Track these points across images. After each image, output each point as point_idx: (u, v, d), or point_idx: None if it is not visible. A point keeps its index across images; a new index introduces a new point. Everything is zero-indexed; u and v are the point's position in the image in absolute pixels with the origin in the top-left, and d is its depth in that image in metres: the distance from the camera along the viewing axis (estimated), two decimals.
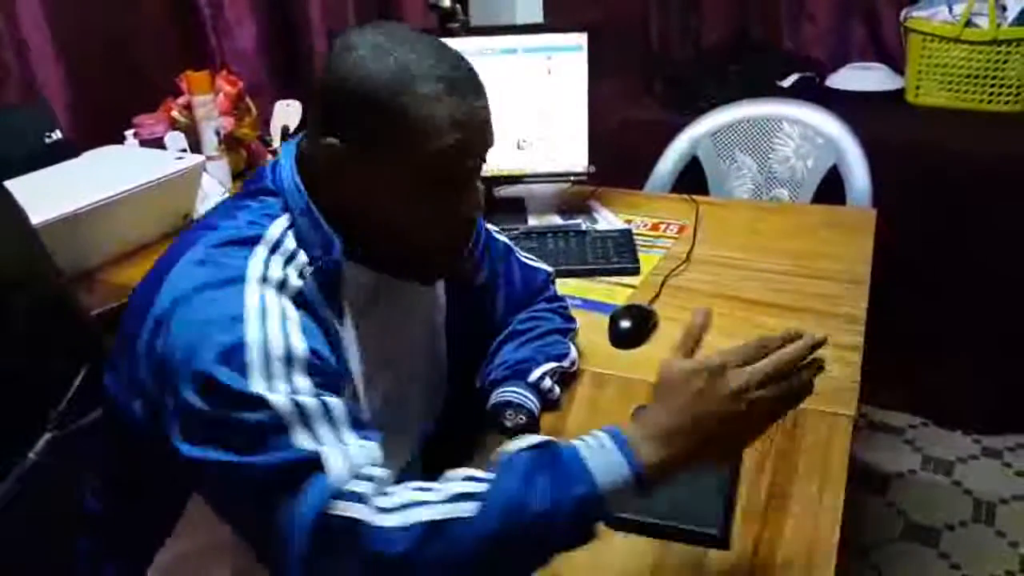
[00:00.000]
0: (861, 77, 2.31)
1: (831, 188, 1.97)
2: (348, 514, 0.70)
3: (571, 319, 1.24)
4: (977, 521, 1.99)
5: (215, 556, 0.89)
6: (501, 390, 1.10)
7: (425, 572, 0.71)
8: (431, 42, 0.87)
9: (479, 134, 0.87)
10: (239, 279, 0.80)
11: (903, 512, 2.03)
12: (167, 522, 0.88)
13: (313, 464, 0.72)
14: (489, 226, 1.21)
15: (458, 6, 1.83)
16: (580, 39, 1.62)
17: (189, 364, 0.75)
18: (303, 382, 0.76)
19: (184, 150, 1.80)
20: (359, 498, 0.71)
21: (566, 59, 1.63)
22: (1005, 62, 2.10)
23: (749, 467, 1.03)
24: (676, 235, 1.66)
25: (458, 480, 0.75)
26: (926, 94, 2.22)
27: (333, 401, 0.76)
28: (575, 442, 0.76)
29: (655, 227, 1.70)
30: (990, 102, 2.15)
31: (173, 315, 0.78)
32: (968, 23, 2.10)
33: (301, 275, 0.85)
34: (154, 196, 1.54)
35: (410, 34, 0.87)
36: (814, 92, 2.23)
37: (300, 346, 0.78)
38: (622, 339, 1.28)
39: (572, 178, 1.76)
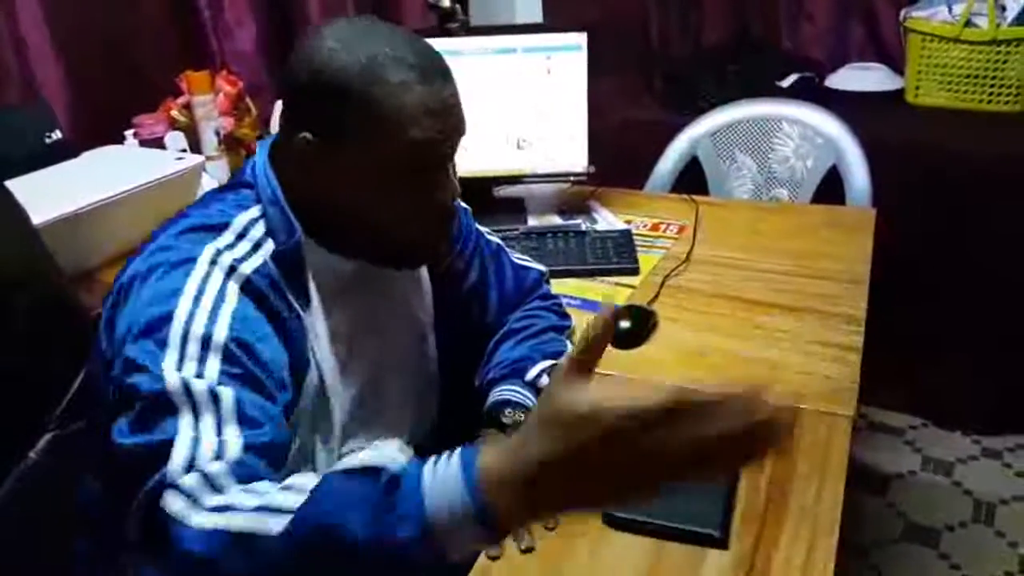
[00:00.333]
0: (860, 77, 2.31)
1: (831, 188, 1.97)
2: (168, 508, 0.70)
3: (566, 316, 1.25)
4: (977, 522, 1.99)
5: None
6: (499, 389, 1.11)
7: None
8: (400, 33, 0.88)
9: (451, 121, 0.88)
10: (190, 260, 0.83)
11: (903, 513, 2.03)
12: None
13: (162, 454, 0.73)
14: (481, 227, 1.22)
15: (457, 6, 1.83)
16: (580, 39, 1.62)
17: (124, 340, 0.80)
18: (213, 366, 0.78)
19: (184, 150, 1.80)
20: (184, 493, 0.70)
21: (566, 59, 1.63)
22: (1005, 62, 2.10)
23: (748, 468, 1.02)
24: (676, 235, 1.66)
25: (278, 489, 0.70)
26: (926, 94, 2.22)
27: (225, 391, 0.77)
28: (423, 471, 0.64)
29: (655, 227, 1.70)
30: (990, 102, 2.15)
31: (128, 292, 0.83)
32: (968, 23, 2.10)
33: (262, 264, 0.87)
34: (154, 196, 1.54)
35: (380, 26, 0.88)
36: (813, 92, 2.23)
37: (222, 332, 0.79)
38: (622, 339, 1.28)
39: (572, 178, 1.76)
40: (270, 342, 0.84)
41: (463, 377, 1.18)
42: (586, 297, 1.43)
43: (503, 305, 1.21)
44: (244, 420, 0.76)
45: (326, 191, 0.89)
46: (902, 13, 2.22)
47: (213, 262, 0.83)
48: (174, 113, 1.86)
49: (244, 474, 0.73)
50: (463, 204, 1.21)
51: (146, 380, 0.76)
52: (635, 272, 1.51)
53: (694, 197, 1.81)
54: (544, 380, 1.12)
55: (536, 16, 2.57)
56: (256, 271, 0.86)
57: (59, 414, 1.06)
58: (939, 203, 2.05)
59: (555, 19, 2.50)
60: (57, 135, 1.67)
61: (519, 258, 1.25)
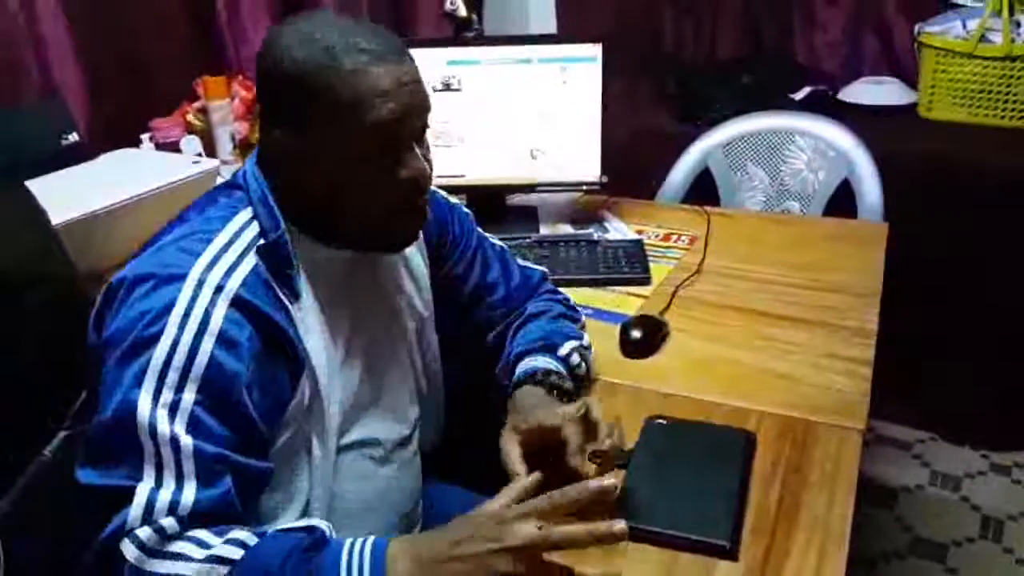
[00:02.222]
0: (874, 91, 2.31)
1: (843, 202, 1.98)
2: (125, 554, 0.77)
3: (576, 310, 1.27)
4: (985, 538, 1.98)
5: None
6: (531, 359, 1.12)
7: None
8: (354, 23, 0.90)
9: (407, 100, 0.89)
10: (180, 277, 0.85)
11: (910, 527, 2.02)
12: None
13: (123, 495, 0.78)
14: (490, 234, 1.24)
15: (474, 15, 1.85)
16: (595, 50, 1.63)
17: (108, 353, 0.83)
18: (187, 398, 0.81)
19: (199, 154, 1.81)
20: (139, 543, 0.77)
21: (580, 70, 1.63)
22: (1019, 78, 2.10)
23: (758, 478, 1.03)
24: (687, 246, 1.66)
25: (222, 542, 0.78)
26: (939, 109, 2.22)
27: (186, 441, 0.80)
28: (344, 543, 0.81)
29: (666, 237, 1.70)
30: (1003, 117, 2.15)
31: (119, 298, 0.85)
32: (982, 39, 2.10)
33: (251, 269, 0.89)
34: (169, 199, 1.55)
35: (335, 19, 0.90)
36: (826, 105, 2.24)
37: (203, 362, 0.82)
38: (633, 349, 1.29)
39: (584, 188, 1.76)
40: (253, 369, 0.86)
41: (472, 378, 1.19)
42: (597, 306, 1.43)
43: (512, 301, 1.23)
44: (201, 474, 0.81)
45: (302, 182, 0.92)
46: (916, 28, 2.22)
47: (200, 282, 0.85)
48: (190, 117, 1.88)
49: (193, 527, 0.80)
50: (465, 209, 1.23)
51: (119, 406, 0.80)
52: (647, 282, 1.51)
53: (706, 208, 1.82)
54: (575, 358, 1.14)
55: (550, 25, 2.59)
56: (244, 283, 0.87)
57: (73, 413, 1.06)
58: (951, 218, 2.05)
59: (568, 29, 2.52)
60: (74, 137, 1.69)
61: (521, 261, 1.28)
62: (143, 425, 0.79)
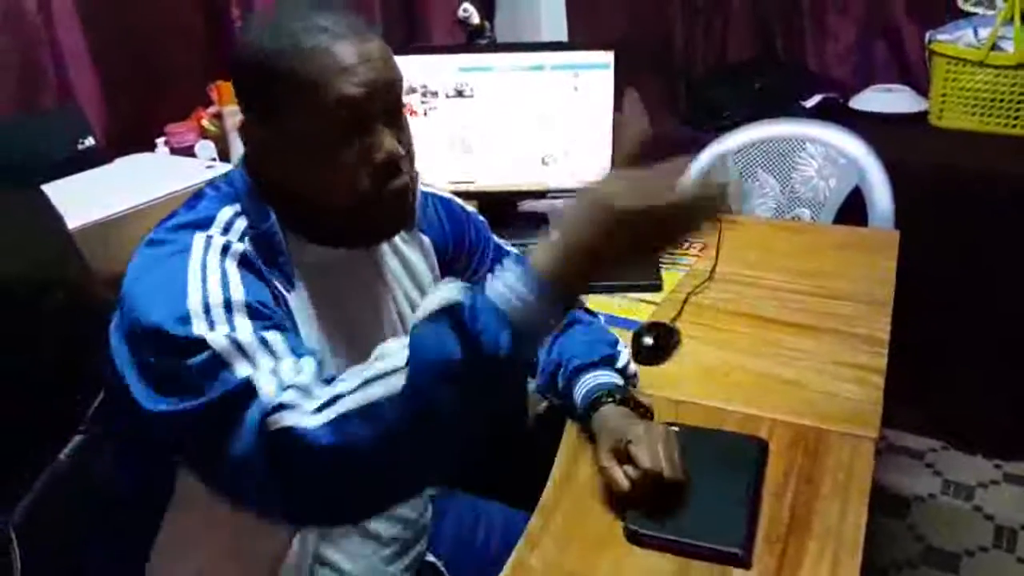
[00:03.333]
0: (885, 99, 2.31)
1: (853, 209, 1.97)
2: (280, 424, 0.72)
3: (593, 312, 1.28)
4: (998, 547, 1.98)
5: (208, 534, 0.92)
6: (595, 375, 1.12)
7: (364, 458, 0.71)
8: (321, 7, 0.89)
9: (371, 75, 0.87)
10: (184, 250, 0.85)
11: (923, 536, 2.02)
12: (162, 506, 0.92)
13: (248, 391, 0.74)
14: (500, 240, 1.24)
15: (487, 23, 1.85)
16: (607, 57, 1.63)
17: (140, 325, 0.80)
18: (243, 322, 0.80)
19: (214, 159, 1.82)
20: (287, 407, 0.73)
21: (592, 76, 1.64)
22: None
23: (771, 486, 1.03)
24: (698, 253, 1.66)
25: (369, 364, 0.75)
26: (950, 117, 2.22)
27: (271, 335, 0.79)
28: (487, 287, 0.73)
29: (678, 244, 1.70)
30: (1015, 126, 2.14)
31: (128, 292, 0.84)
32: (993, 47, 2.10)
33: (250, 248, 0.89)
34: None
35: (301, 5, 0.90)
36: (837, 112, 2.24)
37: (239, 295, 0.81)
38: (645, 356, 1.29)
39: None
40: (275, 304, 0.87)
41: None
42: (609, 313, 1.43)
43: None
44: (298, 351, 0.80)
45: (279, 172, 0.91)
46: (927, 36, 2.22)
47: (207, 247, 0.85)
48: (204, 122, 1.89)
49: (326, 380, 0.77)
50: (480, 217, 1.22)
51: (183, 350, 0.77)
52: (658, 289, 1.51)
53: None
54: (632, 367, 1.17)
55: (561, 33, 2.59)
56: (248, 250, 0.88)
57: (89, 416, 1.07)
58: (961, 226, 2.05)
59: (579, 36, 2.52)
60: (90, 142, 1.70)
61: None
62: (225, 348, 0.76)
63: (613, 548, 0.94)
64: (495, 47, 1.76)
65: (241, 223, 0.91)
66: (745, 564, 0.92)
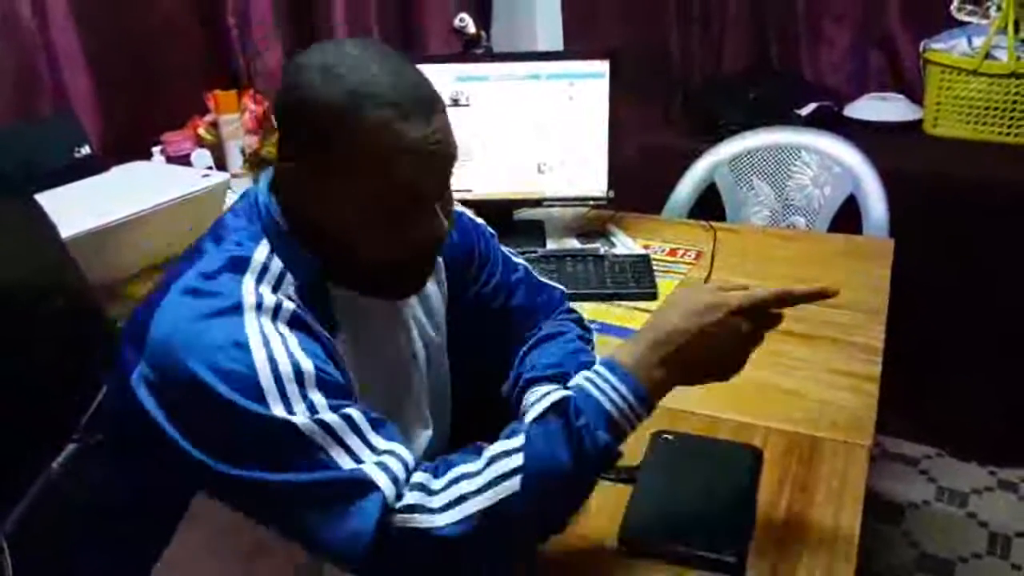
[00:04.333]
0: (879, 107, 2.32)
1: (848, 217, 1.98)
2: (408, 525, 0.77)
3: (589, 330, 1.24)
4: (992, 554, 1.98)
5: (220, 553, 0.91)
6: (540, 389, 1.06)
7: (488, 551, 0.79)
8: (385, 62, 0.85)
9: (433, 161, 0.85)
10: (236, 308, 0.81)
11: (917, 543, 2.02)
12: (173, 519, 0.90)
13: (360, 482, 0.76)
14: (506, 249, 1.22)
15: (483, 32, 1.86)
16: (602, 66, 1.64)
17: (204, 393, 0.77)
18: (318, 398, 0.79)
19: (210, 167, 1.83)
20: (414, 508, 0.77)
21: (588, 85, 1.65)
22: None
23: (766, 494, 1.03)
24: (693, 261, 1.67)
25: (493, 460, 0.80)
26: (944, 125, 2.22)
27: (352, 412, 0.80)
28: (585, 386, 0.84)
29: (672, 252, 1.71)
30: (1008, 134, 2.15)
31: (173, 346, 0.79)
32: (987, 56, 2.11)
33: (290, 298, 0.86)
34: (180, 212, 1.57)
35: (363, 53, 0.85)
36: (832, 121, 2.25)
37: (307, 364, 0.80)
38: None
39: (591, 202, 1.77)
40: (332, 364, 0.85)
41: (476, 387, 1.18)
42: (604, 321, 1.44)
43: (529, 322, 1.21)
44: (377, 424, 0.81)
45: (316, 220, 0.88)
46: (922, 44, 2.23)
47: (259, 307, 0.82)
48: (201, 131, 1.89)
49: (433, 465, 0.82)
50: (490, 229, 1.21)
51: (263, 429, 0.77)
52: (653, 297, 1.52)
53: (712, 223, 1.82)
54: None
55: (557, 42, 2.60)
56: (295, 305, 0.86)
57: (83, 425, 1.07)
58: (956, 234, 2.05)
59: (576, 45, 2.53)
60: (86, 150, 1.70)
61: (542, 279, 1.26)
62: (311, 432, 0.77)
63: (608, 556, 0.94)
64: (491, 56, 1.77)
65: (276, 265, 0.87)
66: (739, 572, 0.92)
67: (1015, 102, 2.12)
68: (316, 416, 0.78)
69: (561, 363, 1.11)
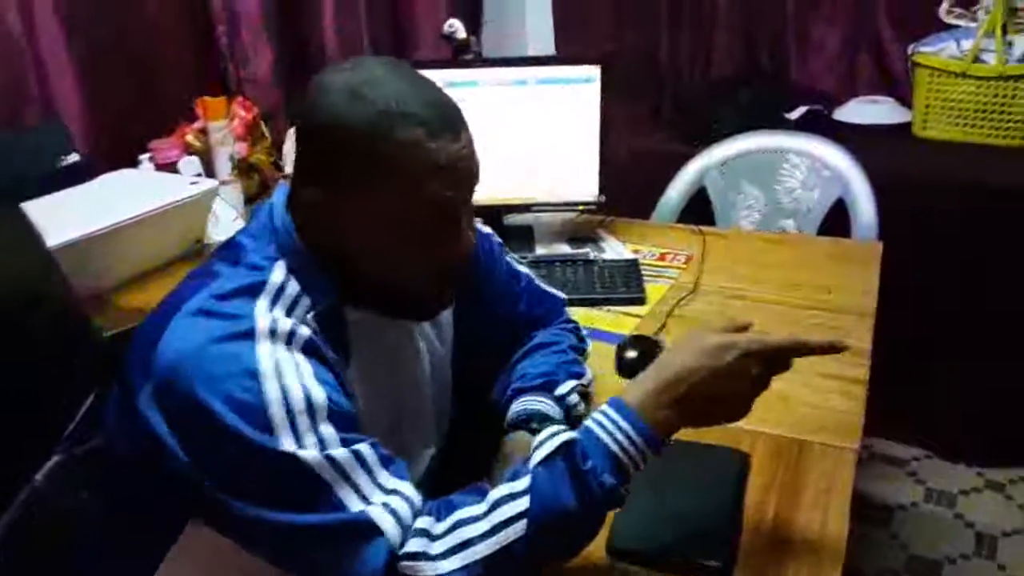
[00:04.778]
0: (868, 110, 2.33)
1: (837, 220, 1.99)
2: (415, 572, 0.76)
3: (584, 340, 1.25)
4: (979, 555, 1.99)
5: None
6: (527, 399, 1.10)
7: None
8: (409, 81, 0.85)
9: (462, 177, 0.86)
10: (249, 334, 0.80)
11: (905, 544, 2.03)
12: (164, 545, 0.90)
13: (365, 526, 0.76)
14: (510, 257, 1.22)
15: (472, 37, 1.86)
16: (593, 71, 1.64)
17: (213, 422, 0.76)
18: (328, 431, 0.78)
19: (199, 175, 1.82)
20: (417, 556, 0.76)
21: (579, 90, 1.65)
22: (1012, 97, 2.11)
23: (753, 499, 1.03)
24: (683, 265, 1.67)
25: (498, 504, 0.79)
26: (933, 128, 2.23)
27: (362, 448, 0.79)
28: (591, 427, 0.82)
29: (662, 257, 1.71)
30: (997, 136, 2.16)
31: (183, 370, 0.78)
32: (976, 59, 2.12)
33: (305, 322, 0.85)
34: (168, 220, 1.57)
35: (387, 72, 0.84)
36: (822, 124, 2.26)
37: (319, 395, 0.79)
38: (628, 369, 1.29)
39: (582, 207, 1.77)
40: (342, 394, 0.85)
41: (471, 398, 1.18)
42: (593, 326, 1.43)
43: (529, 328, 1.21)
44: (386, 461, 0.81)
45: (340, 244, 0.87)
46: (910, 48, 2.24)
47: (272, 333, 0.81)
48: (189, 138, 1.89)
49: (435, 506, 0.81)
50: (497, 238, 1.20)
51: (272, 461, 0.76)
52: (642, 302, 1.52)
53: (701, 228, 1.83)
54: (573, 398, 1.12)
55: (548, 47, 2.61)
56: (310, 331, 0.85)
57: (67, 437, 1.06)
58: (945, 235, 2.06)
59: (567, 50, 2.54)
60: (73, 157, 1.70)
61: (544, 285, 1.25)
62: (320, 465, 0.76)
63: (595, 564, 0.94)
64: (481, 62, 1.77)
65: (293, 286, 0.86)
66: None
67: (1003, 104, 2.13)
68: (326, 451, 0.77)
69: (551, 372, 1.12)
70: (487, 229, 1.18)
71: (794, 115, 2.29)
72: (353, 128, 0.81)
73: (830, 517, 1.00)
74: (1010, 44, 2.10)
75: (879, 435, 2.31)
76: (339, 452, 0.78)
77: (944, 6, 2.22)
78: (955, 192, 2.05)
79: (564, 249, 1.74)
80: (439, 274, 0.91)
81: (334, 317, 0.89)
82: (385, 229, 0.85)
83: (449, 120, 0.84)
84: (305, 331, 0.84)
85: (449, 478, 1.21)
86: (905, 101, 2.33)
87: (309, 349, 0.83)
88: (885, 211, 1.93)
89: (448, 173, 0.84)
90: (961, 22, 2.20)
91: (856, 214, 1.95)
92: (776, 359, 0.87)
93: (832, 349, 0.90)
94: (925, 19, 2.25)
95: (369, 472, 0.79)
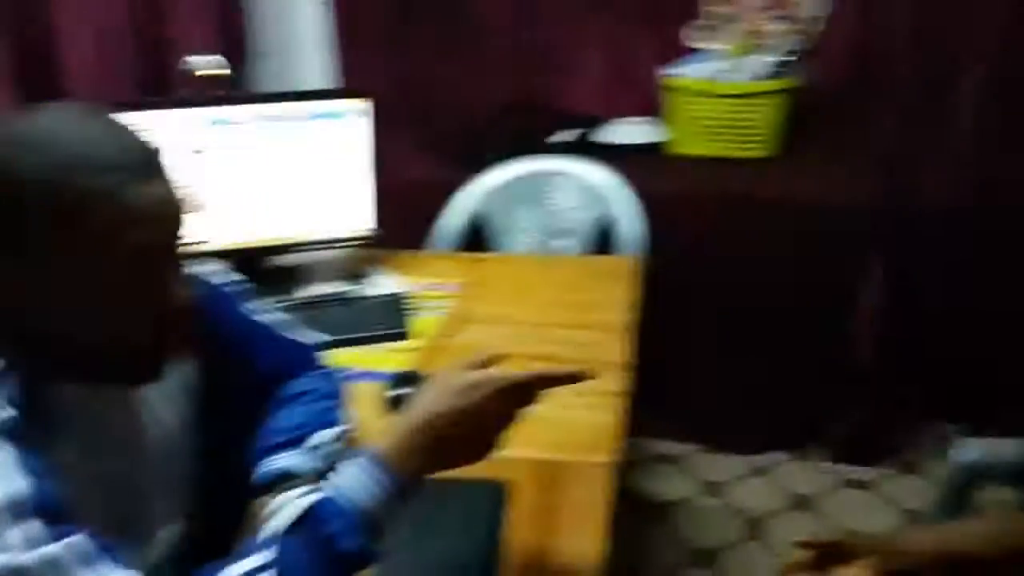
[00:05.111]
0: (629, 131, 2.46)
1: (610, 237, 2.10)
2: None
3: (338, 385, 1.19)
4: (754, 539, 2.14)
5: None
6: (275, 457, 1.04)
7: None
8: (90, 125, 0.78)
9: (167, 218, 0.80)
10: None
11: (686, 538, 2.14)
12: None
13: None
14: (255, 304, 1.16)
15: (232, 72, 1.80)
16: (364, 105, 1.64)
17: None
18: (36, 528, 0.72)
19: None
20: None
21: (350, 124, 1.64)
22: (753, 113, 2.30)
23: (513, 530, 1.05)
24: (457, 294, 1.70)
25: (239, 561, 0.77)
26: (687, 144, 2.39)
27: (76, 539, 0.73)
28: (339, 484, 0.81)
29: (434, 287, 1.73)
30: (742, 149, 2.35)
31: None
32: (721, 79, 2.29)
33: (7, 403, 0.78)
34: None
35: (65, 118, 0.77)
36: (587, 146, 2.36)
37: (21, 487, 0.72)
38: (395, 408, 1.30)
39: (356, 242, 1.75)
40: (50, 480, 0.77)
41: (228, 456, 1.13)
42: (360, 366, 1.42)
43: (276, 382, 1.15)
44: (104, 551, 0.74)
45: (37, 315, 0.80)
46: (663, 71, 2.39)
47: None
48: None
49: None
50: (234, 286, 1.13)
51: None
52: (403, 337, 1.53)
53: (475, 255, 1.87)
54: (332, 447, 1.07)
55: (326, 82, 2.56)
56: (13, 413, 0.77)
57: None
58: (703, 241, 2.21)
59: (343, 83, 2.51)
60: None
61: (291, 333, 1.20)
62: (33, 568, 0.70)
63: None
64: (246, 98, 1.69)
65: None
66: None
67: (745, 119, 2.31)
68: (36, 551, 0.70)
69: (302, 424, 1.08)
70: (227, 277, 1.12)
71: (562, 139, 2.39)
72: (26, 184, 0.73)
73: (587, 538, 1.04)
74: (750, 64, 2.29)
75: (653, 435, 2.42)
76: (51, 549, 0.71)
77: (688, 31, 2.39)
78: (707, 203, 2.21)
79: (327, 289, 1.70)
80: (151, 329, 0.83)
81: (39, 391, 0.82)
82: (76, 292, 0.78)
83: (143, 164, 0.78)
84: (4, 413, 0.77)
85: (210, 551, 1.16)
86: (663, 121, 2.48)
87: (12, 434, 0.76)
88: (649, 224, 2.05)
89: (148, 221, 0.77)
90: (705, 45, 2.38)
91: (617, 230, 2.07)
92: (522, 393, 0.87)
93: (577, 378, 0.90)
94: (674, 44, 2.41)
95: (89, 564, 0.73)
